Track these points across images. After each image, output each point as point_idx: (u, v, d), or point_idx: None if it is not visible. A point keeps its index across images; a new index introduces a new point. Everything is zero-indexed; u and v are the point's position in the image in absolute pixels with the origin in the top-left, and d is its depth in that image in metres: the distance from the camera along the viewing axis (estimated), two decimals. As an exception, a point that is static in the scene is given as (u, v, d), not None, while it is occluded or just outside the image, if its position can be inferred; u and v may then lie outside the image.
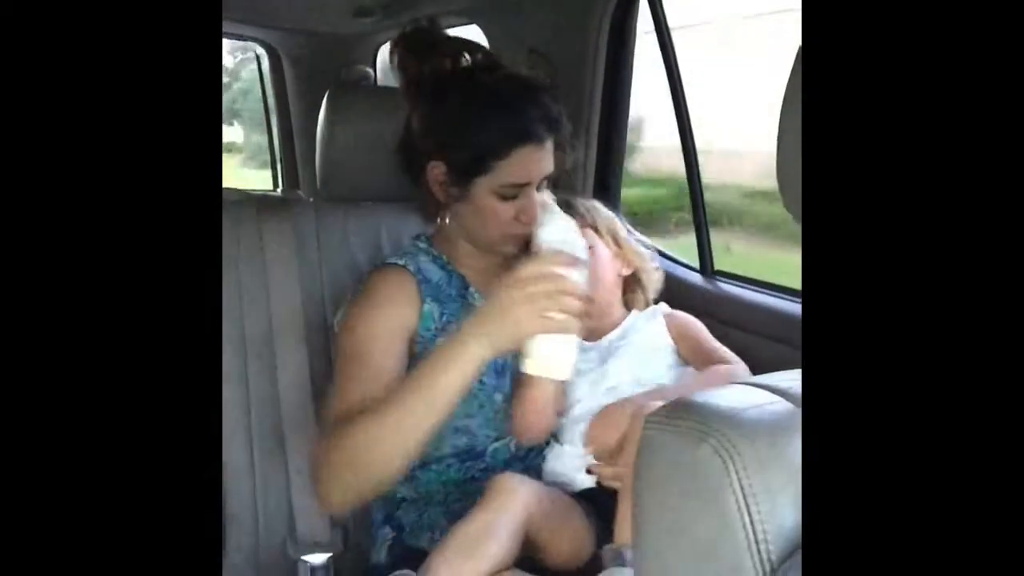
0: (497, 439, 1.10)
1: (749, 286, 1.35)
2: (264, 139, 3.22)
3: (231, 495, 1.19)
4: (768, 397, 0.53)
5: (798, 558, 0.46)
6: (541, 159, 1.04)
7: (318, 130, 1.26)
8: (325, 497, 0.96)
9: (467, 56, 1.08)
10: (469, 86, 1.05)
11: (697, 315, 1.23)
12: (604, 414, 1.10)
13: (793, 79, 0.52)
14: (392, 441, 0.90)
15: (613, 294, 1.23)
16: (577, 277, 0.88)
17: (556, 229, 0.95)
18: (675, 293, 1.30)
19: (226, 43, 3.28)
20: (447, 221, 1.13)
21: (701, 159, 1.47)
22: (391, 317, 1.05)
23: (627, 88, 1.56)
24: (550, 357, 0.90)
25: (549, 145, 1.05)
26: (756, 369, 1.09)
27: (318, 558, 1.16)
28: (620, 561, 0.95)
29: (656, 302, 1.26)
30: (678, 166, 1.48)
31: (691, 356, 1.18)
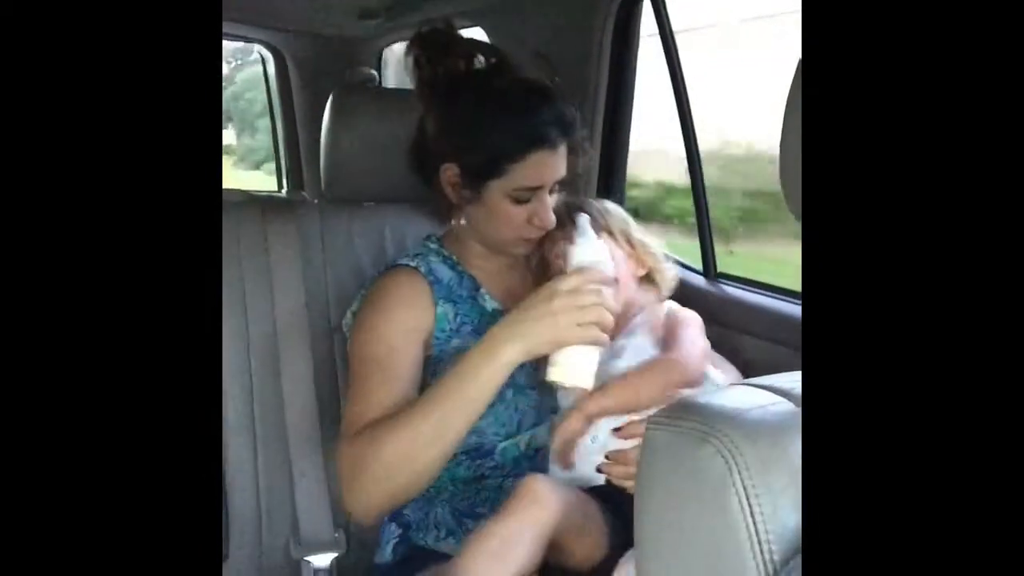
0: (506, 437, 1.10)
1: (753, 289, 1.35)
2: (255, 142, 3.23)
3: (234, 495, 1.19)
4: (771, 398, 0.53)
5: (800, 559, 0.46)
6: (555, 163, 1.04)
7: (322, 132, 1.26)
8: (362, 506, 0.96)
9: (481, 58, 1.08)
10: (484, 89, 1.05)
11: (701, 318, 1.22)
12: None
13: (796, 81, 0.52)
14: (430, 449, 0.92)
15: (632, 299, 1.22)
16: (608, 294, 0.93)
17: (591, 250, 0.98)
18: (678, 296, 1.30)
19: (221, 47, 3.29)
20: (460, 223, 1.13)
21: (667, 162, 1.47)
22: (407, 320, 1.05)
23: (631, 90, 1.56)
24: (576, 366, 0.93)
25: (563, 149, 1.05)
26: (760, 371, 1.08)
27: (322, 559, 1.16)
28: None
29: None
30: (660, 168, 1.48)
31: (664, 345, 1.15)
